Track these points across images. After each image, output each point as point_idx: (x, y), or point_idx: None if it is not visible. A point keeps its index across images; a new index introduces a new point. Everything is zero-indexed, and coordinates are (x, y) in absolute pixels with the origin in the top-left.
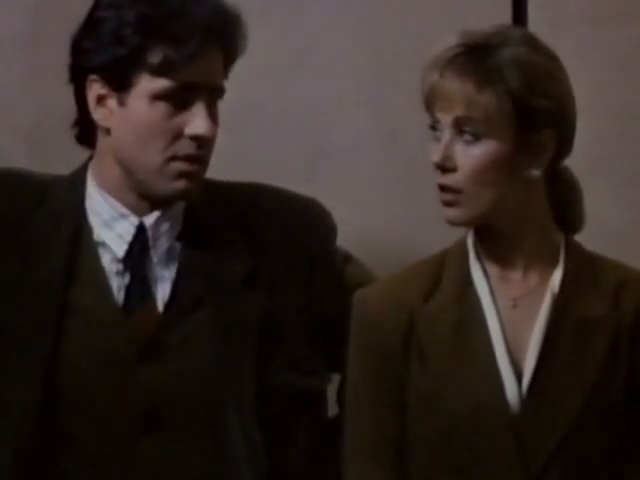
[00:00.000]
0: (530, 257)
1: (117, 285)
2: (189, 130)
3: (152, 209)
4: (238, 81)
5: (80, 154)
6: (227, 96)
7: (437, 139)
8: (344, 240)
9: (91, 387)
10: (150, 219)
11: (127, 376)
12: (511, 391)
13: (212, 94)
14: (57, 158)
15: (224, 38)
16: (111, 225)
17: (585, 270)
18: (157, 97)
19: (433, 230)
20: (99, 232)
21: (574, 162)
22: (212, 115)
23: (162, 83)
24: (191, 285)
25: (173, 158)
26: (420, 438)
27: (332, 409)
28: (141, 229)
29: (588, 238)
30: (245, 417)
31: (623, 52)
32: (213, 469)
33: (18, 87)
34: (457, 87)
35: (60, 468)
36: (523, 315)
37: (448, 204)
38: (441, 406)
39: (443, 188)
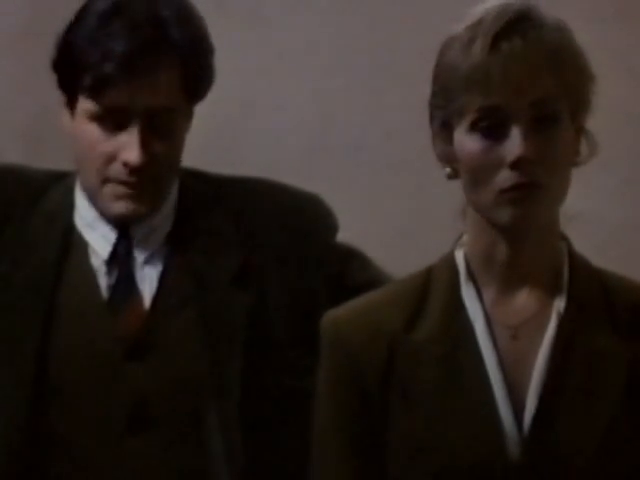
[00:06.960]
0: (533, 276)
1: (106, 284)
2: (121, 156)
3: None
4: (237, 80)
5: None
6: (226, 95)
7: (485, 133)
8: (342, 240)
9: (78, 386)
10: (133, 221)
11: (114, 375)
12: (511, 437)
13: (150, 117)
14: (53, 157)
15: (164, 60)
16: (94, 226)
17: (594, 292)
18: (90, 119)
19: (433, 230)
20: (84, 233)
21: None
22: (149, 141)
23: (90, 106)
24: (178, 283)
25: (107, 180)
26: None
27: None
28: (124, 230)
29: (588, 237)
30: (226, 417)
31: (623, 52)
32: (195, 469)
33: (14, 86)
34: (541, 62)
35: (48, 467)
36: (524, 346)
37: (520, 200)
38: (430, 454)
39: (519, 187)
